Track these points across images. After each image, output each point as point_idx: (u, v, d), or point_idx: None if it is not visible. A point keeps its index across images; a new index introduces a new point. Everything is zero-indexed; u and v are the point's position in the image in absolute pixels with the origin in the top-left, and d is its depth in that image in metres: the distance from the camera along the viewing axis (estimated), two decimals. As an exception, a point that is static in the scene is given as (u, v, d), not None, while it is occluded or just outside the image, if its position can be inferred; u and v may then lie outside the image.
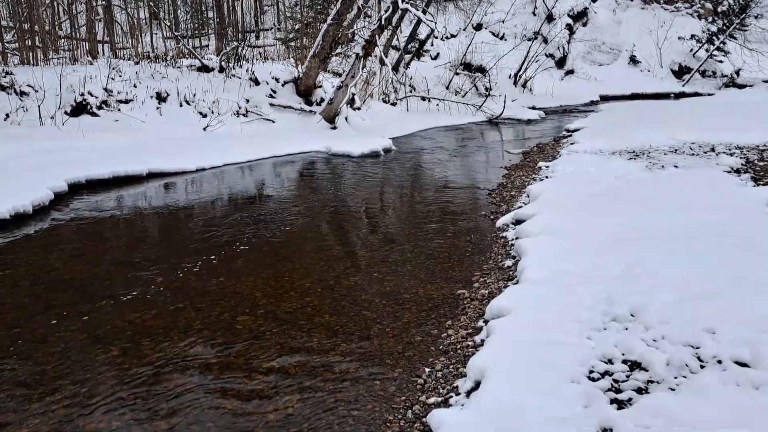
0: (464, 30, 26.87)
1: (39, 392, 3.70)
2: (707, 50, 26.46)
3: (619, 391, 3.25)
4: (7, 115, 11.92)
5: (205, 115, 14.37)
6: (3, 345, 4.30)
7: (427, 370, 3.81)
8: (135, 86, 14.35)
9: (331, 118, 15.10)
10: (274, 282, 5.41)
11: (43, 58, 17.28)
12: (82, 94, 12.99)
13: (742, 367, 3.30)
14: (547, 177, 9.36)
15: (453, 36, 26.36)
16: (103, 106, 13.37)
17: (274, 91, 16.10)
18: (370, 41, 14.57)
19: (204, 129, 13.77)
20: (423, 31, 22.59)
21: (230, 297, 5.10)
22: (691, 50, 27.10)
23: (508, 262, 5.71)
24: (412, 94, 19.66)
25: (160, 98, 14.35)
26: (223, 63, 16.33)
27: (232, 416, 3.43)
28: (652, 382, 3.29)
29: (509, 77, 23.95)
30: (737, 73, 25.90)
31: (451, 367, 3.80)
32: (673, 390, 3.19)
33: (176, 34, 19.47)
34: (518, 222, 6.88)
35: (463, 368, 3.68)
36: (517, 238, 6.28)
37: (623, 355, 3.56)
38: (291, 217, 7.67)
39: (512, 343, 3.69)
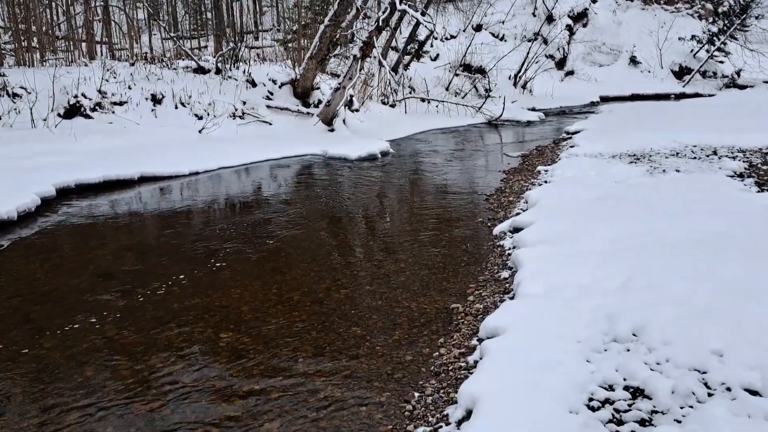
0: (464, 31, 26.65)
1: (3, 419, 3.49)
2: (708, 51, 26.24)
3: (620, 422, 3.02)
4: (-1, 118, 11.74)
5: (200, 117, 14.16)
6: (-27, 364, 4.10)
7: (416, 394, 3.59)
8: (130, 88, 14.16)
9: (328, 121, 14.89)
10: (261, 295, 5.20)
11: (40, 60, 17.08)
12: (76, 96, 12.79)
13: (752, 396, 3.08)
14: (546, 182, 9.14)
15: (453, 37, 26.14)
16: (97, 108, 13.17)
17: (271, 93, 15.89)
18: (367, 42, 14.36)
19: (199, 131, 13.56)
20: (422, 32, 22.36)
21: (215, 311, 4.89)
22: (692, 51, 26.88)
23: (505, 274, 5.50)
24: (411, 95, 19.44)
25: (155, 100, 14.15)
26: (219, 64, 16.12)
27: (209, 445, 3.22)
28: (656, 412, 3.07)
29: (509, 78, 23.73)
30: (738, 73, 25.69)
31: (441, 391, 3.59)
32: (679, 422, 2.96)
33: (172, 35, 19.24)
34: (516, 230, 6.67)
35: (455, 393, 3.47)
36: (514, 248, 6.07)
37: (625, 380, 3.35)
38: (282, 224, 7.46)
39: (506, 367, 3.48)
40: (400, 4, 13.73)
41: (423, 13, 17.11)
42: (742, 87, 25.43)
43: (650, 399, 3.18)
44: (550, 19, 27.52)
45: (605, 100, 24.43)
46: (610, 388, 3.30)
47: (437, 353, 4.11)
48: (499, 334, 3.96)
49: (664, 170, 9.03)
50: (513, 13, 28.42)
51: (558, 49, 27.04)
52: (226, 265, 5.96)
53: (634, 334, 3.82)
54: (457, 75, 21.98)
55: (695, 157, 10.05)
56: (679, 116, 16.85)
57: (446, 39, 25.96)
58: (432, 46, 24.65)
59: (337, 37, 15.47)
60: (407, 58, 21.72)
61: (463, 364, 3.86)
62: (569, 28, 28.00)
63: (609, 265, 5.01)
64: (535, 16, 28.44)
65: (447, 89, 21.29)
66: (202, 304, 5.02)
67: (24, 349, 4.29)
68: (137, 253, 6.42)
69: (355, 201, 8.94)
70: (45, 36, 18.76)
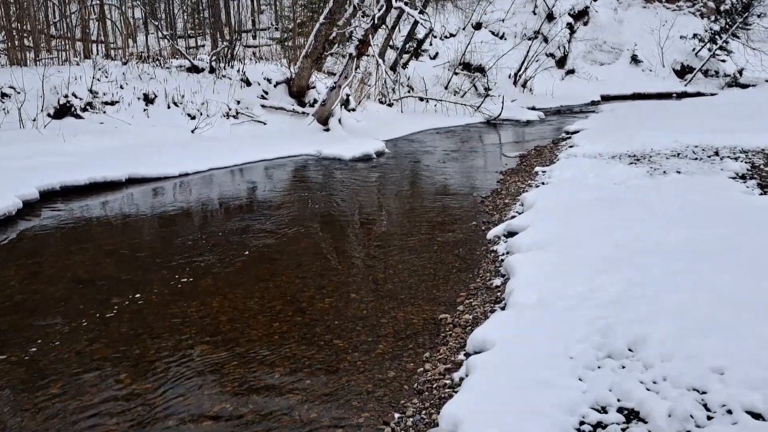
0: (463, 29, 26.41)
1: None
2: (710, 49, 25.98)
3: (612, 450, 2.81)
4: (-13, 118, 11.52)
5: (193, 117, 13.94)
6: (-68, 380, 3.88)
7: (396, 415, 3.36)
8: (121, 87, 13.93)
9: (324, 120, 14.66)
10: (242, 304, 4.98)
11: (34, 59, 16.85)
12: (66, 96, 12.57)
13: (755, 420, 2.86)
14: (543, 183, 8.91)
15: (452, 35, 25.90)
16: (87, 108, 12.94)
17: (266, 92, 15.65)
18: (363, 41, 14.12)
19: (192, 131, 13.35)
20: (421, 31, 22.14)
21: (193, 322, 4.67)
22: (694, 49, 26.62)
23: (497, 281, 5.27)
24: (409, 94, 19.21)
25: (148, 100, 13.92)
26: (213, 63, 15.89)
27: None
28: (651, 438, 2.85)
29: (509, 77, 23.50)
30: (740, 72, 25.44)
31: (423, 412, 3.36)
32: (676, 451, 2.74)
33: (165, 33, 19.02)
34: (510, 234, 6.44)
35: (437, 414, 3.24)
36: (507, 253, 5.84)
37: (619, 401, 3.11)
38: (268, 228, 7.24)
39: (492, 386, 3.25)
40: (395, 1, 13.50)
41: (421, 11, 16.89)
42: (744, 86, 25.18)
43: (645, 423, 2.95)
44: (550, 17, 27.27)
45: (606, 99, 24.19)
46: (603, 410, 3.07)
47: (422, 369, 3.88)
48: (487, 348, 3.73)
49: (664, 171, 8.79)
50: (513, 11, 28.17)
51: (558, 47, 26.79)
52: (209, 271, 5.74)
53: (630, 349, 3.60)
54: (456, 74, 21.74)
55: (696, 158, 9.81)
56: (680, 115, 16.62)
57: (445, 37, 25.72)
58: (431, 44, 24.42)
59: (333, 35, 15.25)
60: (406, 56, 21.50)
61: (448, 381, 3.63)
62: (570, 26, 27.75)
63: (606, 272, 4.78)
64: (535, 14, 28.19)
65: (446, 88, 21.05)
66: (180, 314, 4.80)
67: (-13, 363, 4.08)
68: (117, 260, 6.20)
69: (346, 203, 8.71)
70: (39, 35, 18.52)
